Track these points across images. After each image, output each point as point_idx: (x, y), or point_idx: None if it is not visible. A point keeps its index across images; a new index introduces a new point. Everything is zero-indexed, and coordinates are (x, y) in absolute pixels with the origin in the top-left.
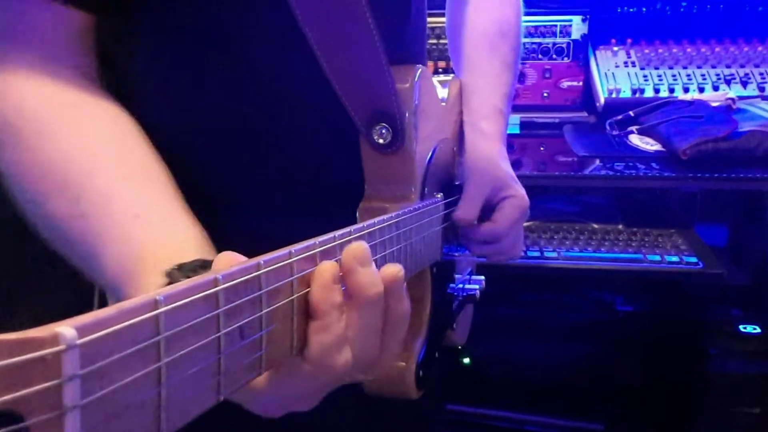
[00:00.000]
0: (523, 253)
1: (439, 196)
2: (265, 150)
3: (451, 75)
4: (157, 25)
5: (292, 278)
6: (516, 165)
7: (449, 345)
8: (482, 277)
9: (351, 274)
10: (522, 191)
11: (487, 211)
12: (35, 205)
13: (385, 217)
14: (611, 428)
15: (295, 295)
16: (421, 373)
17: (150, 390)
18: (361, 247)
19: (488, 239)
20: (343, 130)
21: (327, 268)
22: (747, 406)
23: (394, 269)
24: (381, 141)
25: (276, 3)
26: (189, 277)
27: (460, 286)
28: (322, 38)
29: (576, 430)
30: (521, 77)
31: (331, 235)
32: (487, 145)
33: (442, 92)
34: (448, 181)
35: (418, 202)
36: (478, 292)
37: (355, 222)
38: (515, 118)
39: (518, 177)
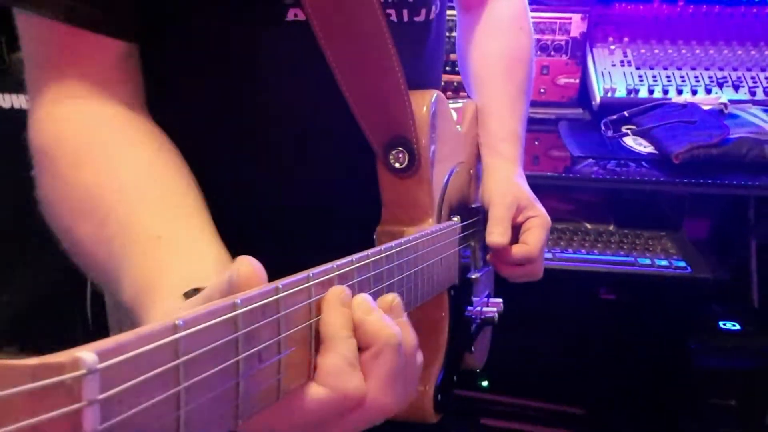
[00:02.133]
0: None
1: (456, 219)
2: (283, 173)
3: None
4: (181, 49)
5: (310, 302)
6: None
7: (468, 369)
8: (500, 300)
9: (360, 327)
10: (543, 210)
11: (513, 231)
12: (65, 230)
13: (402, 240)
14: (592, 413)
15: (313, 319)
16: (439, 397)
17: (169, 414)
18: (360, 297)
19: (522, 262)
20: (361, 154)
21: (336, 292)
22: (724, 399)
23: (388, 297)
24: (398, 165)
25: (297, 28)
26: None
27: (478, 309)
28: (342, 63)
29: (558, 413)
30: None
31: (348, 258)
32: (507, 167)
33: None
34: (464, 204)
35: (435, 225)
36: (496, 314)
37: (372, 245)
38: None
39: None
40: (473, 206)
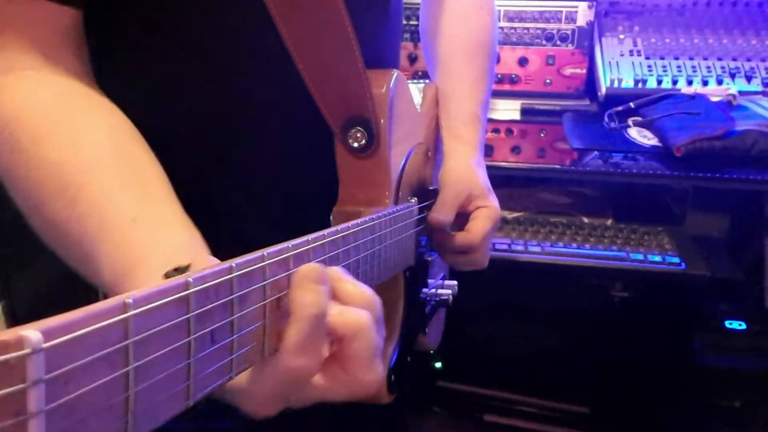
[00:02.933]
0: (506, 246)
1: (413, 200)
2: (239, 152)
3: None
4: (135, 26)
5: (264, 282)
6: (515, 151)
7: (421, 349)
8: (455, 282)
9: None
10: (495, 203)
11: (461, 219)
12: (33, 208)
13: (359, 221)
14: (596, 412)
15: (268, 300)
16: (393, 377)
17: (117, 395)
18: (334, 268)
19: (461, 249)
20: (318, 133)
21: (308, 269)
22: (728, 400)
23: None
24: (356, 145)
25: (253, 5)
26: None
27: (433, 290)
28: (299, 41)
29: (562, 411)
30: (523, 62)
31: (304, 238)
32: (465, 151)
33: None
34: (422, 185)
35: (392, 207)
36: (450, 297)
37: (329, 225)
38: (516, 104)
39: (511, 168)
40: (431, 188)
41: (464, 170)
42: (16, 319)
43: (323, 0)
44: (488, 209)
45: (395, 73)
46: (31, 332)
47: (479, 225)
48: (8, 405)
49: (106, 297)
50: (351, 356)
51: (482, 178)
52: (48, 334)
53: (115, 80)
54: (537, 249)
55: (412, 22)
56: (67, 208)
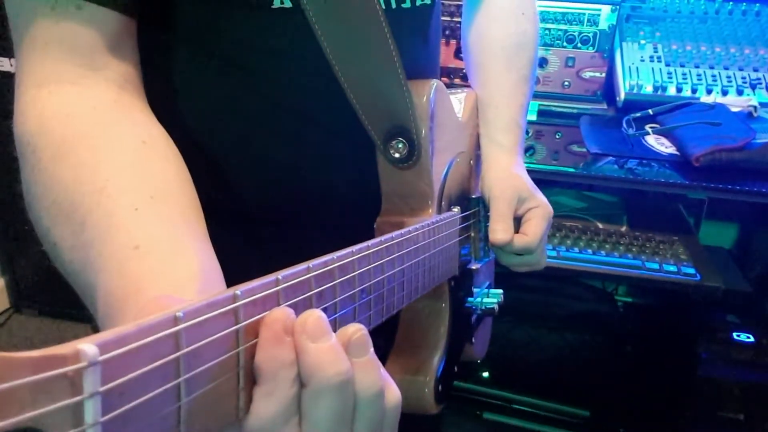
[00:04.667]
0: None
1: (456, 209)
2: (284, 164)
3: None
4: (186, 39)
5: (310, 293)
6: (528, 152)
7: (468, 359)
8: (500, 291)
9: (301, 354)
10: (544, 200)
11: (514, 223)
12: (45, 230)
13: (402, 231)
14: (596, 416)
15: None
16: (440, 387)
17: (169, 406)
18: (313, 316)
19: (521, 252)
20: (360, 144)
21: (276, 316)
22: (732, 412)
23: (350, 330)
24: (397, 155)
25: (295, 19)
26: None
27: (479, 300)
28: (340, 54)
29: (562, 413)
30: (543, 63)
31: (348, 250)
32: (505, 158)
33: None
34: (464, 194)
35: (435, 216)
36: (496, 305)
37: (372, 236)
38: (533, 105)
39: (527, 168)
40: (473, 197)
41: (508, 178)
42: (18, 293)
43: (365, 13)
44: (540, 208)
45: (435, 83)
46: (88, 346)
47: (535, 226)
48: (66, 416)
49: (96, 330)
50: None
51: (526, 180)
52: (103, 347)
53: (161, 92)
54: (552, 253)
55: (444, 18)
56: (74, 234)
